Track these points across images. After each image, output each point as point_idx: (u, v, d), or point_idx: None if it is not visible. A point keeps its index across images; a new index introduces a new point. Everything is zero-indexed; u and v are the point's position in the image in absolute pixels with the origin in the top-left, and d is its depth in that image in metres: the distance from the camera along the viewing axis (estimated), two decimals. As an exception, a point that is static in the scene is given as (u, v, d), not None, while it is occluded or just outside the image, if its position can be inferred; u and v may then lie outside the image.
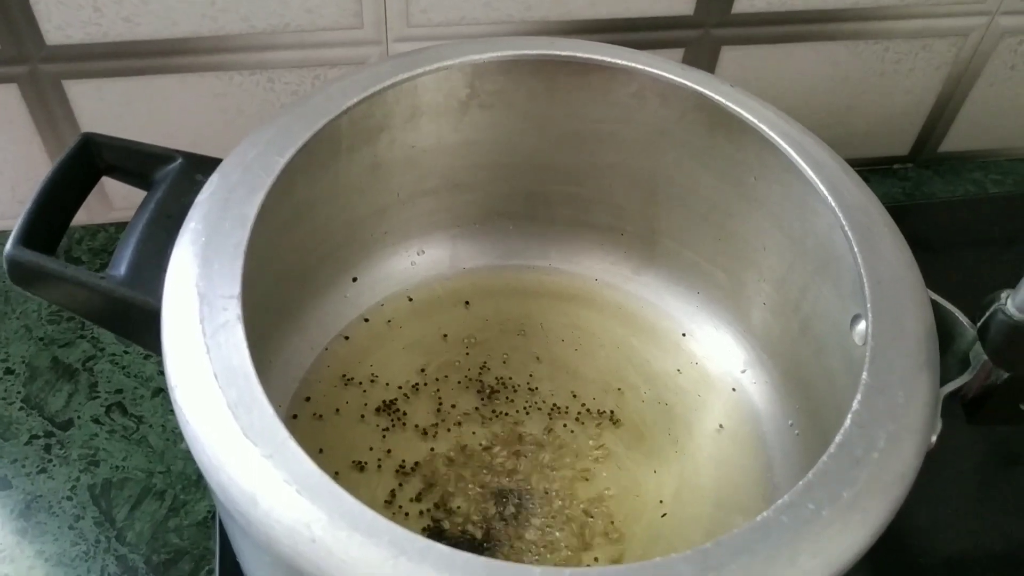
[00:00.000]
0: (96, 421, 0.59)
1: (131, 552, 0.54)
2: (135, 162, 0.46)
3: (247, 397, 0.36)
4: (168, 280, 0.40)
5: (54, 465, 0.57)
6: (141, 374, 0.61)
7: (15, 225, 0.42)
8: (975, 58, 0.73)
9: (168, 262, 0.41)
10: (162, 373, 0.61)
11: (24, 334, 0.63)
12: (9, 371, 0.61)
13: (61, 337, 0.63)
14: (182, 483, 0.56)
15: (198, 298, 0.39)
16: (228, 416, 0.35)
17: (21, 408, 0.59)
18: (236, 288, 0.39)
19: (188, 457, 0.57)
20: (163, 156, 0.46)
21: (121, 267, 0.41)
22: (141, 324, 0.41)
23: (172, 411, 0.59)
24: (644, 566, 0.34)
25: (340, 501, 0.34)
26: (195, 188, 0.43)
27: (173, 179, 0.45)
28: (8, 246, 0.41)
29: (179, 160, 0.46)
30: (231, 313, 0.38)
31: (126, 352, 0.62)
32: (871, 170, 0.80)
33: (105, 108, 0.63)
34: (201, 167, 0.45)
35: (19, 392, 0.60)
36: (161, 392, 0.60)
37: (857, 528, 0.36)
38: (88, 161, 0.45)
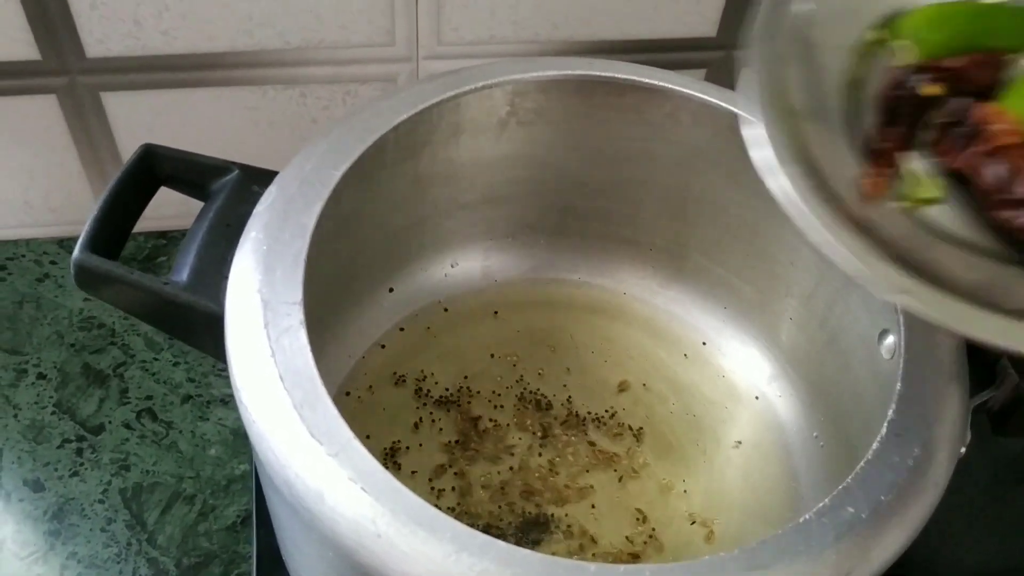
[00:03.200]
0: (127, 426, 0.60)
1: (162, 555, 0.54)
2: (193, 173, 0.47)
3: (312, 398, 0.37)
4: (231, 287, 0.41)
5: (86, 469, 0.58)
6: (171, 380, 0.62)
7: (82, 232, 0.43)
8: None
9: (229, 269, 0.42)
10: (191, 380, 0.62)
11: (56, 340, 0.64)
12: (41, 376, 0.62)
13: (92, 343, 0.64)
14: (211, 488, 0.57)
15: (261, 304, 0.40)
16: (294, 416, 0.36)
17: (53, 412, 0.60)
18: (298, 295, 0.40)
19: (217, 463, 0.58)
20: (220, 168, 0.47)
21: (183, 273, 0.42)
22: (201, 328, 0.42)
23: (201, 418, 0.60)
24: (693, 565, 0.35)
25: (403, 498, 0.35)
26: (252, 199, 0.44)
27: (230, 190, 0.46)
28: (76, 251, 0.42)
29: (235, 172, 0.47)
30: (294, 319, 0.39)
31: (155, 359, 0.63)
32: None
33: (140, 120, 0.64)
34: (257, 179, 0.46)
35: (51, 397, 0.61)
36: (190, 399, 0.61)
37: (895, 531, 0.37)
38: (148, 171, 0.46)
